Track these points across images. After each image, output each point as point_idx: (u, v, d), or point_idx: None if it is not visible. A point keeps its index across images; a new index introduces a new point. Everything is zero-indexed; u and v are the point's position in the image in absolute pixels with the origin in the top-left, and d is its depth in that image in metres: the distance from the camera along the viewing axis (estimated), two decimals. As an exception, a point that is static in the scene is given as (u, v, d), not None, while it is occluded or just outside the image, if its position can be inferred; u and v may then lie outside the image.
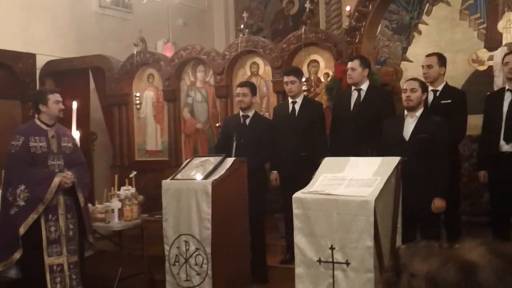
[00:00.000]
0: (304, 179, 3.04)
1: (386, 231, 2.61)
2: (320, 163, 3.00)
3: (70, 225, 3.35)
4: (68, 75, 5.56)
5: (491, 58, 5.36)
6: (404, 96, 3.25)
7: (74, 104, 4.27)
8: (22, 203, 3.18)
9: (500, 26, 5.27)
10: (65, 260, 3.30)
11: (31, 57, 5.30)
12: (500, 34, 5.27)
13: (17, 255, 3.18)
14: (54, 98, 3.40)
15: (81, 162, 3.56)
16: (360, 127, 3.66)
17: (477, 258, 0.45)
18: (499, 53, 4.81)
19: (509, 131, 3.34)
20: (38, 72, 5.44)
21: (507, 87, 3.46)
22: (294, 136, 3.91)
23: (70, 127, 4.22)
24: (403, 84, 3.44)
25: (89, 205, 4.02)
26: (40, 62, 5.44)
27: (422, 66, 3.69)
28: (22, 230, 3.16)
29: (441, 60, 3.65)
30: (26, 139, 3.28)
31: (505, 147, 3.36)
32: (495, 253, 0.45)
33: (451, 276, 0.45)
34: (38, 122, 3.41)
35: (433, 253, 0.49)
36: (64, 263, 3.29)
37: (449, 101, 3.54)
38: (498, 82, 4.64)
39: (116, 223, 3.70)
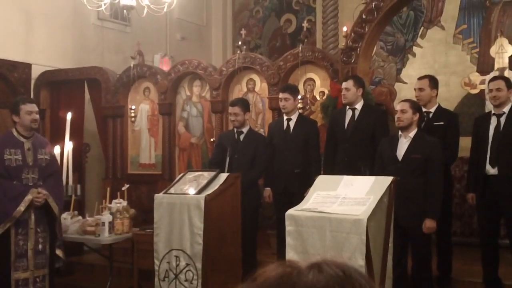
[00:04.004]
0: (298, 196, 3.04)
1: (377, 250, 2.61)
2: (314, 180, 3.01)
3: (39, 239, 3.29)
4: (64, 85, 5.56)
5: (483, 82, 5.44)
6: (396, 116, 3.32)
7: (68, 115, 4.27)
8: None
9: (493, 51, 5.37)
10: (31, 274, 3.25)
11: (27, 66, 5.30)
12: (493, 59, 5.37)
13: None
14: (26, 108, 3.28)
15: (56, 170, 3.50)
16: (354, 146, 3.69)
17: None
18: (490, 78, 4.90)
19: (495, 155, 3.36)
20: (33, 82, 5.43)
21: (493, 111, 3.49)
22: (288, 153, 3.93)
23: (63, 138, 4.20)
24: (396, 105, 3.49)
25: (79, 217, 3.99)
26: (37, 72, 5.44)
27: (415, 89, 3.74)
28: None
29: (433, 82, 3.69)
30: (1, 151, 3.20)
31: (491, 170, 3.38)
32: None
33: None
34: (15, 133, 3.32)
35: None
36: (29, 277, 3.24)
37: (442, 123, 3.58)
38: (490, 105, 4.71)
39: (106, 236, 3.65)
